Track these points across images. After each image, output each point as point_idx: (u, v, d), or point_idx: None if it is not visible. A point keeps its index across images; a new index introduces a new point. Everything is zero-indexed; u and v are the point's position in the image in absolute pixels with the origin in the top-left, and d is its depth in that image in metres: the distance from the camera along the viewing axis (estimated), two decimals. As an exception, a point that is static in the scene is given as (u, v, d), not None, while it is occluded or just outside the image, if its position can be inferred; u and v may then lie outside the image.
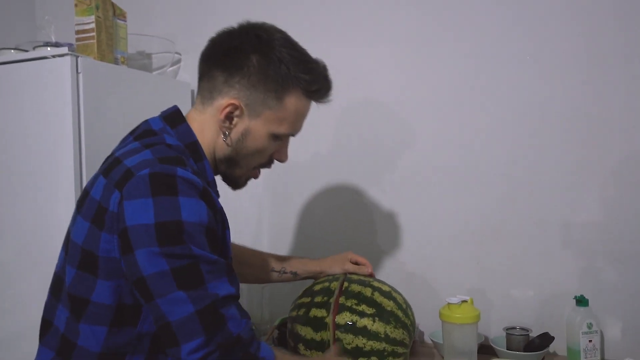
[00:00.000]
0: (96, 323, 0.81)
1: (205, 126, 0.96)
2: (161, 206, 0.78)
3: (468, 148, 1.56)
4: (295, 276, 1.34)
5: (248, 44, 0.93)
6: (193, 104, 1.80)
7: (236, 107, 0.93)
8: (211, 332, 0.77)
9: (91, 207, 0.84)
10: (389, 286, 1.29)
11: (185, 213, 0.78)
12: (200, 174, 0.91)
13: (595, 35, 1.44)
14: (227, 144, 0.95)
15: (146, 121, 0.98)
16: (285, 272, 1.33)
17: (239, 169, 1.00)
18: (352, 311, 1.17)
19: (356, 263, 1.34)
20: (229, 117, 0.94)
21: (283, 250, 1.76)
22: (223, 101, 0.93)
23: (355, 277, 1.29)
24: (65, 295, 0.84)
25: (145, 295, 0.78)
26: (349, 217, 1.70)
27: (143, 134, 0.94)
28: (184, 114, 0.99)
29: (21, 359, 1.38)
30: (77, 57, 1.37)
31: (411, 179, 1.62)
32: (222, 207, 0.89)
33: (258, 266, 1.32)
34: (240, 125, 0.95)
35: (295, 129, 1.00)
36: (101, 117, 1.42)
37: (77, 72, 1.36)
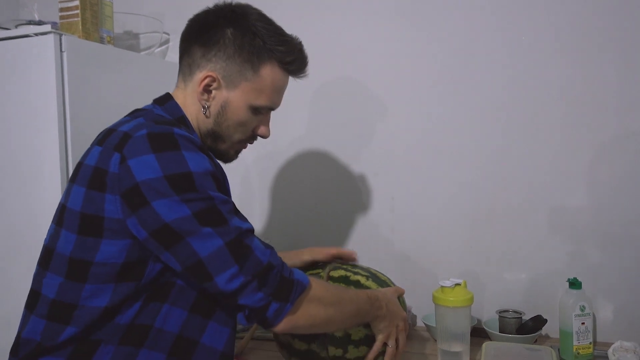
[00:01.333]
0: (102, 282, 0.84)
1: (187, 102, 1.00)
2: (166, 160, 0.81)
3: (460, 132, 1.55)
4: None
5: (223, 19, 0.97)
6: (182, 85, 1.81)
7: (213, 79, 0.97)
8: (242, 261, 0.82)
9: (85, 173, 0.86)
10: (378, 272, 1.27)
11: (192, 164, 0.82)
12: None
13: (588, 18, 1.42)
14: (207, 117, 0.99)
15: (136, 109, 1.02)
16: None
17: (223, 142, 1.03)
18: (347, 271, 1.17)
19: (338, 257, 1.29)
20: (207, 90, 0.98)
21: (271, 234, 1.74)
22: (200, 74, 0.97)
23: (336, 275, 1.21)
24: (60, 262, 0.86)
25: (170, 241, 0.81)
26: (339, 201, 1.68)
27: (133, 111, 0.99)
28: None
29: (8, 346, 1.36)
30: (60, 35, 1.32)
31: (403, 162, 1.61)
32: (220, 166, 0.93)
33: None
34: (219, 97, 0.98)
35: (273, 102, 1.03)
36: (87, 97, 1.39)
37: (61, 51, 1.32)
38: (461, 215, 1.55)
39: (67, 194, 0.91)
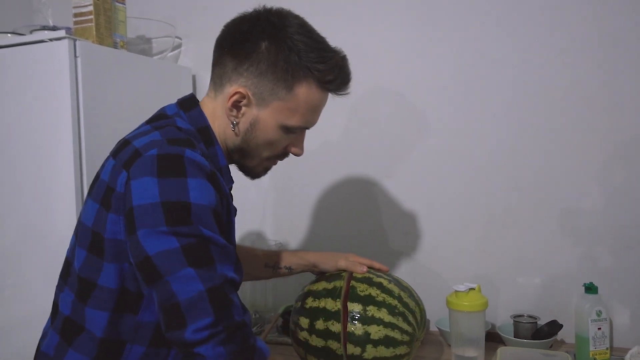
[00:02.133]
0: (99, 308, 0.80)
1: (216, 113, 0.94)
2: (168, 186, 0.76)
3: (472, 135, 1.53)
4: (290, 271, 1.26)
5: (259, 30, 0.89)
6: (194, 89, 1.82)
7: (243, 96, 0.90)
8: (219, 313, 0.74)
9: (100, 189, 0.83)
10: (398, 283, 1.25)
11: (193, 194, 0.76)
12: (211, 159, 0.90)
13: (605, 18, 1.40)
14: (236, 134, 0.92)
15: (163, 107, 0.96)
16: (279, 267, 1.25)
17: (251, 159, 0.97)
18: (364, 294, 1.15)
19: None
20: (236, 106, 0.91)
21: (282, 235, 1.74)
22: (231, 89, 0.90)
23: (359, 276, 1.20)
24: (74, 278, 0.83)
25: (151, 276, 0.75)
26: (353, 205, 1.67)
27: (155, 117, 0.93)
28: (199, 99, 0.97)
29: (24, 347, 1.37)
30: (75, 40, 1.33)
31: (415, 165, 1.60)
32: (230, 194, 0.87)
33: (249, 262, 1.22)
34: (249, 114, 0.91)
35: (307, 122, 0.95)
36: (100, 102, 1.40)
37: (75, 56, 1.33)
38: (474, 219, 1.54)
39: (84, 206, 0.89)
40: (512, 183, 1.50)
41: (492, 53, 1.51)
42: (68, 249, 0.91)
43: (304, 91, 0.90)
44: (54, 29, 1.45)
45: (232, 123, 0.92)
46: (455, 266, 1.55)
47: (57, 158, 1.34)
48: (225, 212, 0.85)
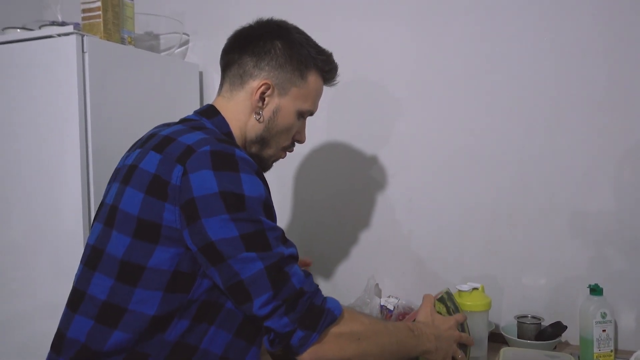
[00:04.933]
0: (152, 288, 0.86)
1: (236, 110, 1.04)
2: (224, 179, 0.84)
3: (479, 132, 1.52)
4: None
5: (271, 32, 1.05)
6: (201, 86, 1.83)
7: (268, 87, 1.02)
8: (278, 287, 0.83)
9: (144, 179, 0.88)
10: None
11: (247, 188, 0.85)
12: None
13: (616, 18, 1.39)
14: (260, 122, 1.04)
15: (183, 118, 1.06)
16: None
17: (269, 148, 1.08)
18: None
19: None
20: (262, 98, 1.03)
21: (288, 234, 1.73)
22: (255, 83, 1.02)
23: None
24: (112, 263, 0.88)
25: (214, 259, 0.83)
26: (356, 202, 1.67)
27: (183, 120, 1.03)
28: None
29: (30, 340, 1.39)
30: (82, 36, 1.34)
31: (421, 163, 1.59)
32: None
33: None
34: (272, 103, 1.04)
35: (314, 106, 1.11)
36: (108, 97, 1.41)
37: (83, 52, 1.34)
38: (480, 218, 1.53)
39: (117, 195, 0.92)
40: (519, 182, 1.49)
41: (501, 51, 1.50)
42: (91, 236, 0.95)
43: (313, 79, 1.07)
44: (63, 24, 1.46)
45: (258, 113, 1.03)
46: (460, 265, 1.55)
47: (64, 153, 1.35)
48: (271, 202, 0.93)
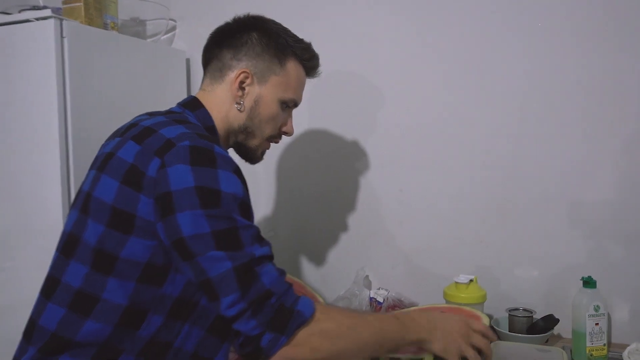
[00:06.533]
0: (125, 278, 0.85)
1: (217, 102, 1.05)
2: (201, 175, 0.84)
3: (472, 122, 1.49)
4: None
5: (247, 25, 1.07)
6: (188, 72, 1.79)
7: (247, 75, 1.04)
8: (245, 288, 0.82)
9: (120, 168, 0.88)
10: None
11: (223, 184, 0.85)
12: None
13: (612, 4, 1.35)
14: (241, 111, 1.05)
15: (167, 109, 1.05)
16: None
17: (255, 138, 1.09)
18: None
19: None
20: (241, 87, 1.04)
21: (277, 227, 1.72)
22: (234, 73, 1.04)
23: None
24: (87, 252, 0.87)
25: (185, 255, 0.83)
26: (346, 193, 1.64)
27: (166, 112, 1.02)
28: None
29: (13, 331, 1.35)
30: (61, 20, 1.30)
31: (412, 153, 1.56)
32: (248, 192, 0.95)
33: None
34: (252, 92, 1.05)
35: (297, 96, 1.11)
36: (90, 85, 1.37)
37: (62, 37, 1.29)
38: (472, 209, 1.50)
39: (93, 183, 0.91)
40: (513, 172, 1.46)
41: (493, 39, 1.46)
42: (68, 223, 0.94)
43: (293, 66, 1.08)
44: (44, 8, 1.41)
45: (238, 102, 1.05)
46: (452, 258, 1.52)
47: (44, 142, 1.31)
48: (249, 201, 0.92)
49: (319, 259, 1.68)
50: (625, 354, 1.19)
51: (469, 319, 1.02)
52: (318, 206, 1.68)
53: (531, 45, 1.43)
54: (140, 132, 0.91)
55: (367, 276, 1.56)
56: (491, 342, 1.02)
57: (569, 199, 1.42)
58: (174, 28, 1.83)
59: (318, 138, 1.66)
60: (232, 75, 1.04)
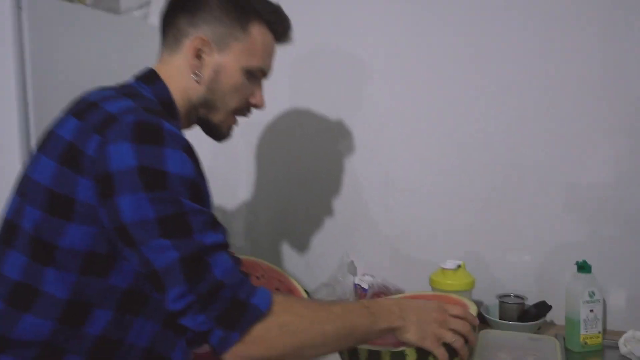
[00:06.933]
0: (66, 269, 0.78)
1: (175, 74, 0.95)
2: (145, 153, 0.76)
3: (462, 102, 1.43)
4: None
5: None
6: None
7: (204, 43, 0.94)
8: (194, 279, 0.75)
9: (58, 146, 0.80)
10: None
11: (171, 164, 0.77)
12: None
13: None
14: (200, 83, 0.95)
15: (121, 83, 0.97)
16: None
17: (218, 112, 0.99)
18: None
19: None
20: (199, 56, 0.94)
21: (257, 210, 1.65)
22: (189, 41, 0.94)
23: None
24: (24, 241, 0.80)
25: (128, 243, 0.76)
26: (329, 175, 1.58)
27: (119, 85, 0.94)
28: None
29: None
30: (17, -11, 1.21)
31: (398, 134, 1.50)
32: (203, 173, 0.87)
33: None
34: (211, 62, 0.95)
35: (265, 64, 1.00)
36: (53, 63, 1.27)
37: (19, 7, 1.20)
38: (462, 192, 1.44)
39: (32, 164, 0.84)
40: (504, 153, 1.41)
41: (488, 20, 1.39)
42: (9, 210, 0.85)
43: (257, 31, 0.97)
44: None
45: (196, 73, 0.94)
46: (439, 242, 1.47)
47: (2, 121, 1.22)
48: (203, 183, 0.84)
49: (301, 245, 1.62)
50: (621, 341, 1.15)
51: (446, 304, 0.95)
52: (301, 189, 1.62)
53: (524, 22, 1.35)
54: (84, 107, 0.84)
55: (351, 262, 1.51)
56: (474, 326, 0.94)
57: (564, 180, 1.36)
58: (148, 3, 1.73)
59: (301, 117, 1.59)
60: (188, 43, 0.94)
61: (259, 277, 1.28)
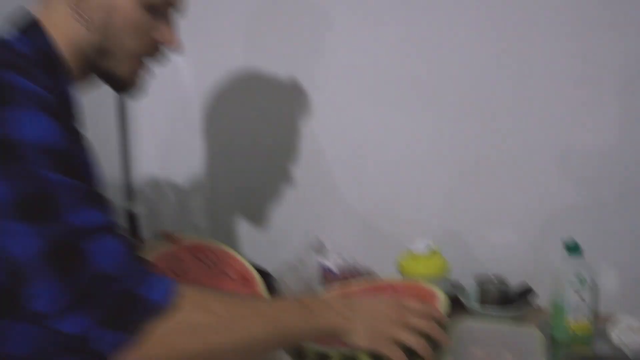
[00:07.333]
0: None
1: (57, 20, 0.80)
2: None
3: (440, 61, 1.34)
4: None
5: None
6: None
7: None
8: (67, 273, 0.64)
9: None
10: None
11: (24, 130, 0.65)
12: (54, 92, 0.73)
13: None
14: (89, 29, 0.80)
15: None
16: None
17: (117, 60, 0.84)
18: None
19: None
20: None
21: (217, 181, 1.57)
22: None
23: None
24: None
25: None
26: (298, 147, 1.49)
27: None
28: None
29: None
30: None
31: (371, 101, 1.40)
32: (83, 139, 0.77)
33: None
34: (99, 2, 0.79)
35: None
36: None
37: None
38: (441, 164, 1.37)
39: None
40: (487, 121, 1.33)
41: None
42: None
43: None
44: None
45: (80, 15, 0.79)
46: (415, 220, 1.40)
47: None
48: (80, 153, 0.74)
49: (264, 222, 1.55)
50: (614, 332, 1.07)
51: (406, 299, 0.84)
52: (263, 160, 1.54)
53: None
54: None
55: (319, 241, 1.40)
56: (439, 322, 0.83)
57: (556, 149, 1.29)
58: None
59: (259, 78, 1.48)
60: None
61: (211, 265, 1.16)
